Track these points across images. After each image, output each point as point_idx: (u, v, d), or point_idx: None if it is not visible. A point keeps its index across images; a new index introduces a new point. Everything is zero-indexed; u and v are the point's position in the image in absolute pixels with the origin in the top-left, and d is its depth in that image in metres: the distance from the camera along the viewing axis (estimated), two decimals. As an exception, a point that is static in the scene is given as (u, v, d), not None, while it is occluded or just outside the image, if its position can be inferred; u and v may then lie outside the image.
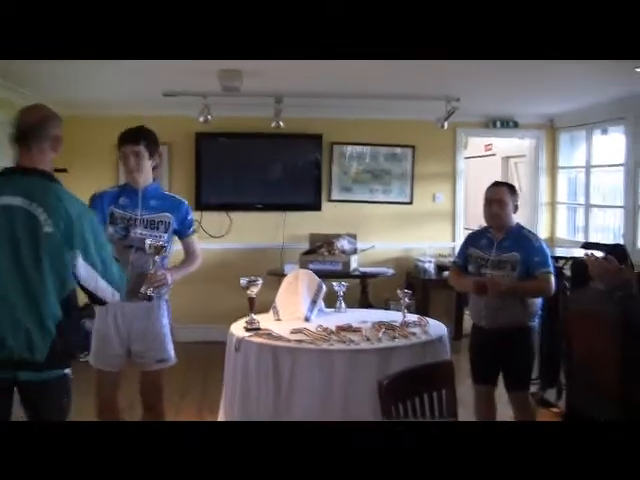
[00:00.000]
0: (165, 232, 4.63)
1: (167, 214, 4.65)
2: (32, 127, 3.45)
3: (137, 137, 4.59)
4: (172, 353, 4.76)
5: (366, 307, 8.30)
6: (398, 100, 7.83)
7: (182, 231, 4.76)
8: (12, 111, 6.96)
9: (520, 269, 4.86)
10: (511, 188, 5.17)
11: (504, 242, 4.97)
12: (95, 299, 3.54)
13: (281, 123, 7.36)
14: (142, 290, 4.40)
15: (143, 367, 4.71)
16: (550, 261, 4.94)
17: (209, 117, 7.12)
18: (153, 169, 4.73)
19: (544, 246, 4.99)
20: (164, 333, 4.71)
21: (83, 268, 3.35)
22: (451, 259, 9.26)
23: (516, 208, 5.10)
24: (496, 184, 5.24)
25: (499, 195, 5.04)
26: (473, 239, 5.24)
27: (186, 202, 4.82)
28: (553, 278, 4.88)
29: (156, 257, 4.44)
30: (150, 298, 4.44)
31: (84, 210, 3.47)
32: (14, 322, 3.26)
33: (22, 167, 3.43)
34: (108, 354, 4.61)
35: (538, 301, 5.04)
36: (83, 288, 3.44)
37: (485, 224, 5.21)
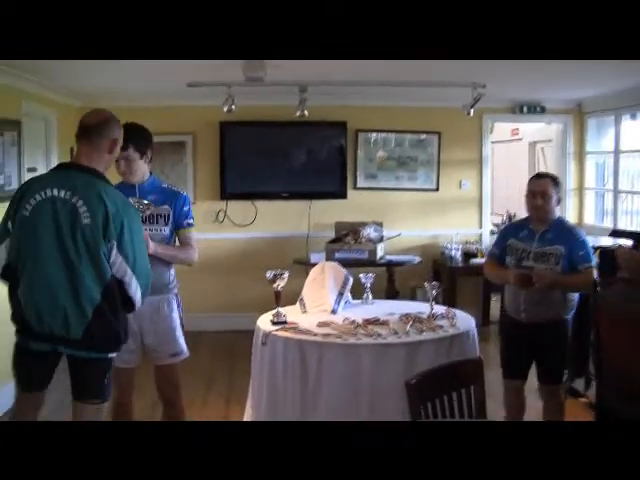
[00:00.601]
0: (165, 225, 4.63)
1: (166, 206, 4.63)
2: (90, 128, 3.82)
3: (125, 141, 4.26)
4: (184, 346, 4.74)
5: (392, 295, 8.29)
6: (424, 87, 7.76)
7: (177, 222, 4.67)
8: (45, 105, 7.05)
9: (563, 263, 4.76)
10: (554, 180, 5.02)
11: (547, 234, 4.87)
12: (123, 295, 3.77)
13: (306, 112, 7.30)
14: None
15: (157, 361, 4.71)
16: (592, 255, 4.85)
17: (233, 107, 7.08)
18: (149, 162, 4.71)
19: (587, 240, 4.90)
20: (175, 327, 4.69)
21: (116, 257, 3.68)
22: (478, 246, 9.28)
23: (559, 200, 4.99)
24: (539, 175, 5.14)
25: (543, 187, 4.91)
26: (512, 230, 5.14)
27: (184, 193, 4.77)
28: (595, 272, 4.80)
29: (141, 215, 4.33)
30: None
31: (123, 207, 3.76)
32: (53, 301, 3.69)
33: (74, 163, 3.87)
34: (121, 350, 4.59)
35: (577, 294, 4.95)
36: (115, 279, 3.71)
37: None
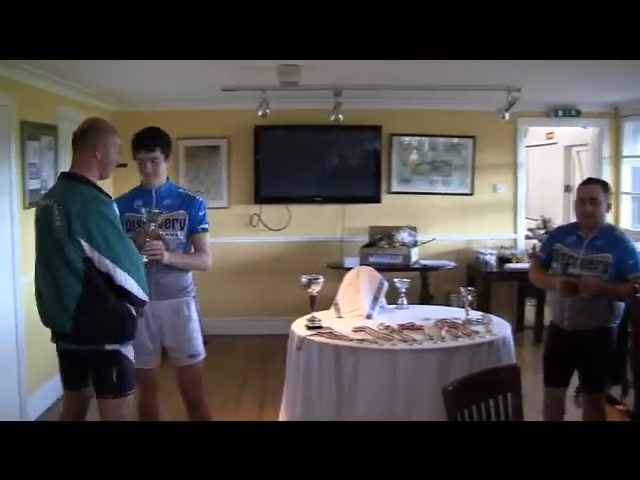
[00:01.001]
0: (181, 230, 4.71)
1: (181, 212, 4.71)
2: (75, 137, 4.11)
3: (153, 143, 4.66)
4: (202, 348, 4.82)
5: (427, 300, 8.25)
6: (458, 91, 7.72)
7: (192, 227, 4.74)
8: (80, 109, 7.11)
9: (612, 271, 4.66)
10: (604, 186, 4.92)
11: (595, 241, 4.77)
12: (114, 287, 3.94)
13: (340, 116, 7.28)
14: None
15: (177, 362, 4.80)
16: None
17: (268, 111, 7.08)
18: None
19: (637, 248, 4.79)
20: (193, 329, 4.77)
21: (92, 253, 3.86)
22: (513, 251, 9.21)
23: (609, 207, 4.89)
24: (589, 181, 5.02)
25: (593, 194, 4.81)
26: (560, 235, 5.05)
27: (200, 198, 4.84)
28: None
29: (152, 225, 4.45)
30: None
31: (89, 205, 3.93)
32: (43, 301, 4.07)
33: (64, 172, 4.19)
34: (140, 351, 4.63)
35: (622, 303, 4.85)
36: (99, 272, 3.90)
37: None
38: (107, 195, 4.08)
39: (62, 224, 3.89)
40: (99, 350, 3.98)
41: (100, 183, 4.11)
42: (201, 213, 4.77)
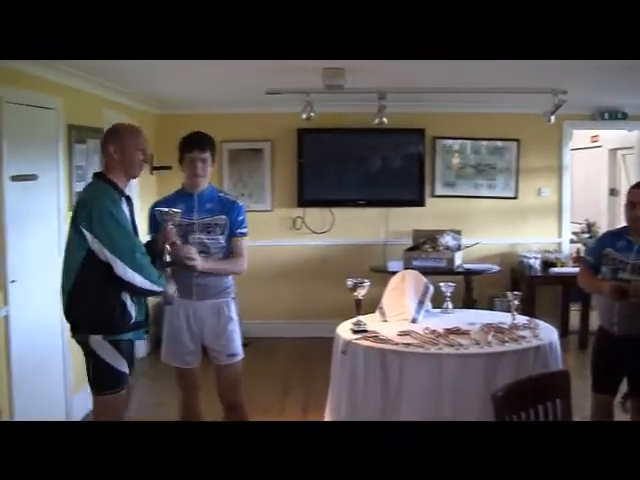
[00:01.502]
0: (222, 234, 4.77)
1: (222, 216, 4.77)
2: (101, 141, 4.40)
3: (204, 144, 4.76)
4: (241, 349, 4.88)
5: (470, 305, 8.20)
6: (503, 94, 7.67)
7: (231, 231, 4.81)
8: (124, 113, 7.19)
9: None
10: None
11: None
12: (114, 277, 4.03)
13: (384, 119, 7.25)
14: (165, 259, 4.43)
15: (216, 361, 4.87)
16: None
17: (312, 114, 7.07)
18: None
19: None
20: (234, 329, 4.85)
21: (93, 242, 4.01)
22: (557, 255, 9.13)
23: None
24: (639, 185, 4.91)
25: None
26: (610, 239, 4.94)
27: (240, 203, 4.92)
28: None
29: (169, 224, 4.45)
30: (169, 264, 4.44)
31: (93, 195, 4.18)
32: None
33: (95, 172, 4.47)
34: (180, 351, 4.81)
35: None
36: (100, 261, 4.03)
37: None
38: (121, 193, 4.23)
39: (73, 214, 4.19)
40: (84, 340, 4.12)
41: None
42: (240, 217, 4.84)
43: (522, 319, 5.10)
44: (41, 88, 5.73)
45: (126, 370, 4.18)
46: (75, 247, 4.10)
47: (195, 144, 4.73)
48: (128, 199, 4.29)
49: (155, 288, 4.14)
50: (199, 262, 4.59)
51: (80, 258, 4.07)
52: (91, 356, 4.11)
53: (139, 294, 4.16)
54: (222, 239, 4.76)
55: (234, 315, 4.85)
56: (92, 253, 4.03)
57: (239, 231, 4.83)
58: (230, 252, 4.83)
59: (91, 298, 4.09)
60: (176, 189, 4.94)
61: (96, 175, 4.33)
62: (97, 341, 4.07)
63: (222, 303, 4.82)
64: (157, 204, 4.87)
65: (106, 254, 3.99)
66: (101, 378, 4.13)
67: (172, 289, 4.41)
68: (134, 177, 4.42)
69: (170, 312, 4.82)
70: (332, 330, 5.01)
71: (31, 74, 5.49)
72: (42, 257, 5.74)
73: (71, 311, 4.16)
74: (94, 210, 4.05)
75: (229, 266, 4.85)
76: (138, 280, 4.04)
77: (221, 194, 4.97)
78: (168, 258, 4.41)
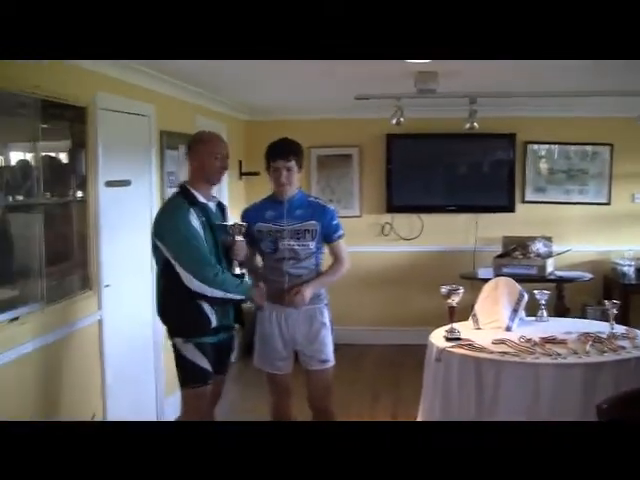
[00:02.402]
0: (312, 240, 4.74)
1: (313, 222, 4.74)
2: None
3: (289, 152, 4.72)
4: (332, 355, 4.85)
5: (563, 313, 8.03)
6: (596, 97, 7.50)
7: (328, 236, 4.80)
8: (215, 119, 7.25)
9: None
10: None
11: None
12: (184, 286, 4.28)
13: (475, 124, 7.16)
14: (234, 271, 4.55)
15: (307, 366, 4.85)
16: None
17: (402, 119, 7.02)
18: None
19: None
20: (326, 335, 4.83)
21: (166, 253, 4.31)
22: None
23: None
24: None
25: None
26: None
27: (330, 207, 4.88)
28: None
29: (237, 237, 4.52)
30: (238, 277, 4.53)
31: (165, 213, 4.53)
32: None
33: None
34: (272, 357, 4.82)
35: None
36: (175, 272, 4.29)
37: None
38: (195, 204, 4.41)
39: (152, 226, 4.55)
40: (172, 342, 4.50)
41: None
42: (334, 222, 4.81)
43: (621, 328, 4.99)
44: (134, 95, 5.82)
45: (208, 367, 4.40)
46: (157, 257, 4.45)
47: (279, 153, 4.71)
48: (204, 208, 4.46)
49: (230, 296, 4.33)
50: (305, 299, 4.65)
51: (161, 266, 4.41)
52: (177, 354, 4.45)
53: (216, 303, 4.36)
54: (312, 245, 4.74)
55: (327, 321, 4.83)
56: (168, 263, 4.32)
57: (336, 235, 4.83)
58: (320, 258, 4.84)
59: (172, 305, 4.45)
60: (265, 195, 4.94)
61: (180, 185, 4.64)
62: (180, 343, 4.42)
63: (315, 309, 4.80)
64: (247, 211, 4.91)
65: (176, 266, 4.27)
66: (184, 373, 4.46)
67: (260, 293, 4.58)
68: (213, 184, 4.60)
69: (262, 318, 4.83)
70: (420, 337, 4.98)
71: (125, 81, 5.58)
72: (134, 262, 5.81)
73: (160, 316, 4.57)
74: (164, 226, 4.40)
75: (329, 278, 4.88)
76: (207, 290, 4.26)
77: (311, 199, 4.97)
78: (237, 270, 4.52)
